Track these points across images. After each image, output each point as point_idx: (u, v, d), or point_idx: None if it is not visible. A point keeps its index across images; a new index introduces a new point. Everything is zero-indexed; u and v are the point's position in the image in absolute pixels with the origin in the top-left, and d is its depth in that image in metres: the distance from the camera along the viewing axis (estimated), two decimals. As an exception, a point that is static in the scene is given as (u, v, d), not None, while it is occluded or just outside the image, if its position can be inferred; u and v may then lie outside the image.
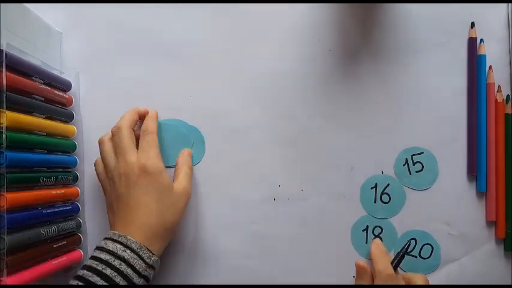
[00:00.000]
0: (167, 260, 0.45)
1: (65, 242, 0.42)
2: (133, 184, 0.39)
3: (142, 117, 0.45)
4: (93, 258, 0.36)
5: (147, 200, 0.39)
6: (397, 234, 0.46)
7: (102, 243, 0.37)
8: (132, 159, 0.40)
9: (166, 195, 0.39)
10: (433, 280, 0.46)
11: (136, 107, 0.45)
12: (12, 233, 0.35)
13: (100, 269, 0.35)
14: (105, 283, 0.34)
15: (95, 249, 0.37)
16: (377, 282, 0.41)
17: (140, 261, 0.36)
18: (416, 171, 0.46)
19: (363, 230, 0.46)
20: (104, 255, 0.36)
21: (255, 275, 0.46)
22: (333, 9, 0.47)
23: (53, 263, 0.40)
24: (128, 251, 0.36)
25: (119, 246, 0.36)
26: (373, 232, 0.46)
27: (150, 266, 0.37)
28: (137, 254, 0.36)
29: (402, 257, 0.44)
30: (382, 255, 0.43)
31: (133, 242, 0.37)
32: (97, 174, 0.43)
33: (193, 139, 0.46)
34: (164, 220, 0.39)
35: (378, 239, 0.46)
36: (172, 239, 0.43)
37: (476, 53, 0.46)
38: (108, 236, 0.38)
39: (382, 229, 0.46)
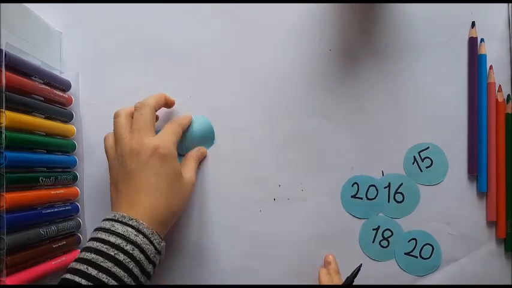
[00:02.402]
0: (166, 259, 0.45)
1: (65, 242, 0.41)
2: (145, 163, 0.37)
3: (167, 104, 0.45)
4: (101, 241, 0.34)
5: (158, 182, 0.37)
6: (402, 234, 0.46)
7: (108, 225, 0.35)
8: (148, 138, 0.38)
9: (175, 181, 0.39)
10: (433, 280, 0.46)
11: (164, 93, 0.44)
12: (12, 233, 0.35)
13: (112, 254, 0.33)
14: (119, 269, 0.33)
15: (99, 230, 0.35)
16: None
17: (151, 247, 0.35)
18: (427, 167, 0.46)
19: (373, 229, 0.46)
20: (114, 239, 0.34)
21: (254, 274, 0.45)
22: (333, 9, 0.47)
23: (53, 263, 0.40)
24: (141, 236, 0.35)
25: (130, 230, 0.34)
26: (382, 234, 0.46)
27: (158, 252, 0.36)
28: (149, 239, 0.35)
29: (352, 280, 0.42)
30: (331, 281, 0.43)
31: (145, 227, 0.35)
32: (105, 148, 0.41)
33: (213, 137, 0.46)
34: (172, 205, 0.38)
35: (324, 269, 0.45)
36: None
37: (477, 53, 0.46)
38: (115, 218, 0.35)
39: (390, 230, 0.46)
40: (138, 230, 0.35)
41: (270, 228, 0.46)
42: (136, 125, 0.39)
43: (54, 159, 0.42)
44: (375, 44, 0.47)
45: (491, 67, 0.46)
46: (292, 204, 0.46)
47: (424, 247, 0.46)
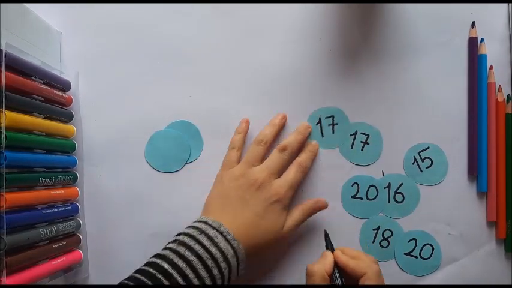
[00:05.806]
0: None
1: (65, 243, 0.41)
2: (262, 201, 0.41)
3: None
4: (203, 246, 0.36)
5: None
6: (402, 234, 0.46)
7: (212, 234, 0.37)
8: (280, 183, 0.42)
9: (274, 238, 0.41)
10: (433, 280, 0.46)
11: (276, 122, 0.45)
12: (12, 234, 0.35)
13: (210, 265, 0.36)
14: (208, 279, 0.35)
15: (203, 232, 0.37)
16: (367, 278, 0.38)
17: (235, 272, 0.39)
18: (427, 167, 0.46)
19: (373, 229, 0.46)
20: (214, 251, 0.36)
21: (255, 275, 0.45)
22: (333, 9, 0.47)
23: (53, 263, 0.40)
24: (235, 259, 0.38)
25: (230, 249, 0.37)
26: (382, 234, 0.46)
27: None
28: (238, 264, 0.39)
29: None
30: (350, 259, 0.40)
31: (241, 252, 0.38)
32: (235, 143, 0.45)
33: (191, 142, 0.46)
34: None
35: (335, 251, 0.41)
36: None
37: (477, 53, 0.46)
38: (219, 229, 0.38)
39: (390, 230, 0.46)
40: (235, 253, 0.38)
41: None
42: (270, 163, 0.43)
43: (54, 160, 0.42)
44: (375, 44, 0.47)
45: (491, 67, 0.46)
46: (293, 204, 0.46)
47: (424, 247, 0.46)
